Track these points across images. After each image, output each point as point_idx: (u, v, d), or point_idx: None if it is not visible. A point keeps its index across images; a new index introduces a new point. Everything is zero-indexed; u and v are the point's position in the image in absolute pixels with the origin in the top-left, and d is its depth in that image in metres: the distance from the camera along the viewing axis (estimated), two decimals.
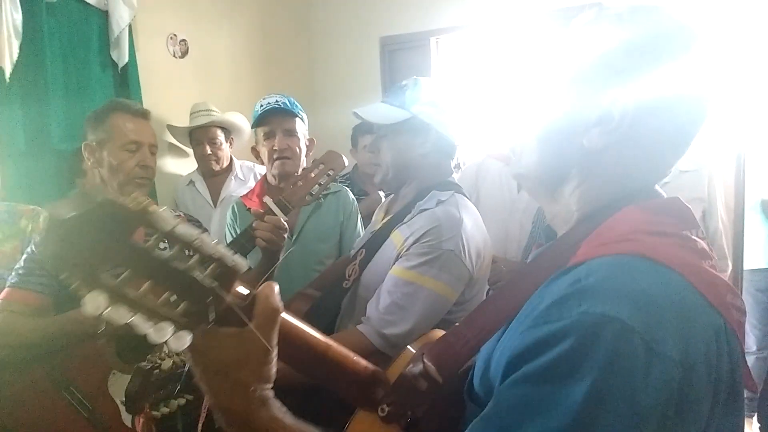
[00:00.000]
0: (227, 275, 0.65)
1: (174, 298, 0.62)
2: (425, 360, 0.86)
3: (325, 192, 1.87)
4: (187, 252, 0.63)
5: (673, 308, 0.63)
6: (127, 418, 1.69)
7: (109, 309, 0.58)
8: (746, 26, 3.07)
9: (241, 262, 0.67)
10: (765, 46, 3.25)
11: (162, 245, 0.62)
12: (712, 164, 2.92)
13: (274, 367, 0.72)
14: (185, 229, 0.63)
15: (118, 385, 1.71)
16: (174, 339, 0.63)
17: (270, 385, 0.72)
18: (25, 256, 1.79)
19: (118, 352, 1.73)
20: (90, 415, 1.68)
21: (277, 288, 0.74)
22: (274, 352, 0.72)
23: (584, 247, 0.74)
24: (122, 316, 0.59)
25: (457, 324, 0.90)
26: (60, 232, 0.56)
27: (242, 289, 0.70)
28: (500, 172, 2.60)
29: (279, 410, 0.72)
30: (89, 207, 0.57)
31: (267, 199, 1.69)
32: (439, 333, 1.04)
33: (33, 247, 1.79)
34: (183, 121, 3.20)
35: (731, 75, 3.08)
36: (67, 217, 0.56)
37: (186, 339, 0.64)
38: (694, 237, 0.75)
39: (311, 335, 0.85)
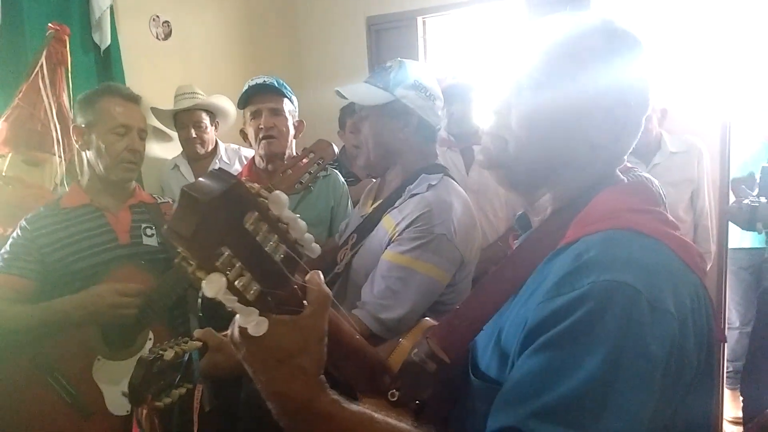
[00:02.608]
0: (294, 261, 0.67)
1: (252, 281, 0.62)
2: (430, 343, 0.90)
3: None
4: (269, 235, 0.64)
5: (663, 271, 0.73)
6: (111, 405, 1.69)
7: (223, 292, 0.59)
8: (729, 14, 3.07)
9: (317, 248, 0.69)
10: (746, 32, 3.27)
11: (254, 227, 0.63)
12: (701, 145, 2.96)
13: (325, 352, 0.74)
14: (289, 214, 0.65)
15: (103, 371, 1.72)
16: (255, 325, 0.64)
17: (323, 371, 0.74)
18: (10, 240, 1.78)
19: (104, 338, 1.73)
20: (74, 401, 1.68)
21: (322, 275, 0.76)
22: (326, 338, 0.74)
23: (574, 228, 0.81)
24: (229, 300, 0.60)
25: (456, 307, 0.94)
26: (199, 213, 0.56)
27: (297, 277, 0.71)
28: (444, 156, 2.60)
29: (335, 394, 0.74)
30: (225, 188, 0.58)
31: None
32: (429, 322, 1.08)
33: (19, 231, 1.78)
34: (167, 104, 3.15)
35: (719, 60, 3.09)
36: (205, 200, 0.56)
37: (264, 326, 0.65)
38: (663, 211, 0.85)
39: (342, 320, 0.89)
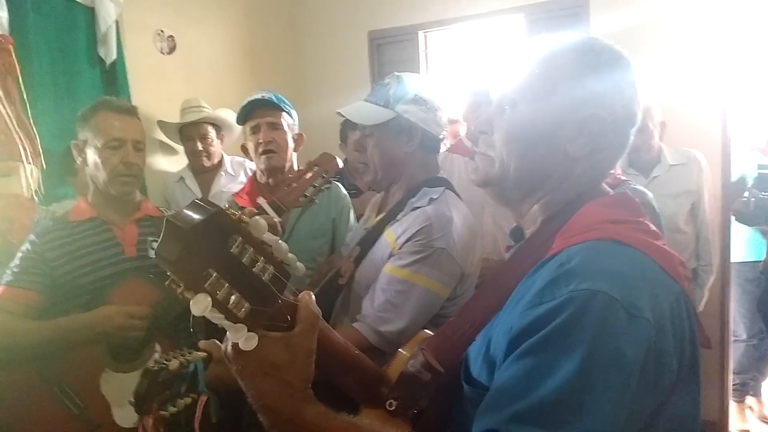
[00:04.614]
0: (282, 280, 0.71)
1: (242, 300, 0.67)
2: (425, 353, 0.94)
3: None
4: (256, 257, 0.69)
5: (641, 278, 0.75)
6: (118, 417, 1.69)
7: (209, 310, 0.64)
8: (728, 26, 3.09)
9: (302, 267, 0.74)
10: (745, 45, 3.29)
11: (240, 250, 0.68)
12: (701, 158, 2.97)
13: (313, 367, 0.79)
14: (270, 237, 0.70)
15: (110, 384, 1.72)
16: (245, 340, 0.69)
17: (310, 384, 0.78)
18: (20, 254, 1.79)
19: (111, 351, 1.74)
20: (81, 413, 1.68)
21: (313, 295, 0.81)
22: (314, 354, 0.79)
23: (559, 239, 0.85)
24: (217, 318, 0.66)
25: (451, 318, 0.98)
26: (182, 240, 0.62)
27: (287, 296, 0.76)
28: (466, 167, 2.59)
29: (322, 406, 0.78)
30: (205, 216, 0.64)
31: (261, 200, 1.69)
32: (426, 333, 1.11)
33: (28, 245, 1.79)
34: (172, 118, 3.18)
35: (718, 72, 3.11)
36: (190, 227, 0.62)
37: (254, 341, 0.70)
38: (645, 222, 0.87)
39: (334, 336, 0.92)
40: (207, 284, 0.64)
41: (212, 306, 0.64)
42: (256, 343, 0.70)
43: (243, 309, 0.67)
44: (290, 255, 0.73)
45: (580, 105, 0.87)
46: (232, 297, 0.66)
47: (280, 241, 0.72)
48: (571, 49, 0.90)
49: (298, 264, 0.74)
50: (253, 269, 0.68)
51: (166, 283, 0.65)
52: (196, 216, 0.63)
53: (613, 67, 0.89)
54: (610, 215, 0.86)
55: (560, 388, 0.68)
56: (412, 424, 0.93)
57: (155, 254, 0.63)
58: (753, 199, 2.55)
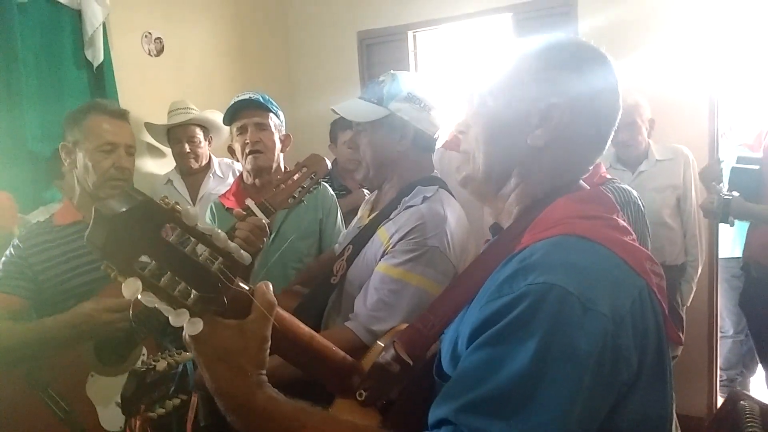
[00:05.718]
0: (232, 269, 0.74)
1: (188, 288, 0.71)
2: (396, 346, 0.97)
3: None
4: (201, 247, 0.71)
5: (601, 273, 0.76)
6: (104, 421, 1.68)
7: (141, 294, 0.66)
8: (716, 23, 3.11)
9: (246, 257, 0.76)
10: (736, 37, 3.31)
11: (181, 240, 0.71)
12: (688, 153, 3.00)
13: (267, 354, 0.81)
14: (205, 226, 0.72)
15: (96, 388, 1.71)
16: (189, 325, 0.71)
17: (264, 371, 0.81)
18: (3, 259, 1.77)
19: (97, 354, 1.72)
20: (67, 417, 1.66)
21: (271, 285, 0.83)
22: (269, 342, 0.81)
23: (527, 235, 0.85)
24: (150, 301, 0.68)
25: (421, 312, 1.01)
26: (106, 227, 0.64)
27: (242, 284, 0.78)
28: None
29: (274, 391, 0.81)
30: (131, 206, 0.65)
31: (249, 202, 1.69)
32: (405, 326, 1.11)
33: (12, 249, 1.77)
34: (160, 120, 3.17)
35: (706, 67, 3.14)
36: (113, 216, 0.64)
37: (199, 325, 0.72)
38: (615, 218, 0.88)
39: (298, 327, 0.93)
40: (146, 270, 0.66)
41: (145, 290, 0.66)
42: (201, 328, 0.72)
43: (191, 296, 0.71)
44: (232, 244, 0.75)
45: (542, 96, 0.89)
46: (179, 285, 0.69)
47: (218, 230, 0.73)
48: (540, 46, 0.92)
49: (243, 253, 0.76)
50: (199, 258, 0.71)
51: (102, 267, 0.67)
52: (122, 205, 0.65)
53: (582, 61, 0.90)
54: (580, 211, 0.86)
55: (512, 379, 0.69)
56: (382, 414, 0.95)
57: (85, 240, 0.66)
58: (716, 196, 2.62)
